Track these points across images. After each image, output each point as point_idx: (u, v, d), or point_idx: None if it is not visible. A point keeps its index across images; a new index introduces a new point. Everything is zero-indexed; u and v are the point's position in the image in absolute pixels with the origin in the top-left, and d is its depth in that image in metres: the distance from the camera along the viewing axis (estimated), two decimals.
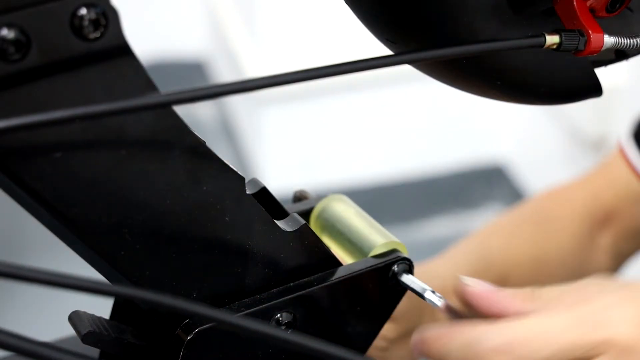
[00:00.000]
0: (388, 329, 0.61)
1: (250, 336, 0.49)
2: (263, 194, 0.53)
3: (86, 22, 0.40)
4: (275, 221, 0.50)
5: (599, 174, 0.92)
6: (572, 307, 0.48)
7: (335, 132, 2.26)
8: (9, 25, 0.39)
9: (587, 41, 0.47)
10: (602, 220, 0.88)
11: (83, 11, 0.40)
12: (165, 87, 0.42)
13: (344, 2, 0.50)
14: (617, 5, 0.49)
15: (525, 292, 0.50)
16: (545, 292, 0.50)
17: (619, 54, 0.54)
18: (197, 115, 2.56)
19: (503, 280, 0.77)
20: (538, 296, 0.49)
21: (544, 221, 0.85)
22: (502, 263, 0.79)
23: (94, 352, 0.51)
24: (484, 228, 0.88)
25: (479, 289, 0.49)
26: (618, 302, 0.48)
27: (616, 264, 0.89)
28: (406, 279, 0.52)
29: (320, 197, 0.59)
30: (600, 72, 0.53)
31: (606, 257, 0.87)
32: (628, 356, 0.47)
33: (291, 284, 0.51)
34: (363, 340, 0.53)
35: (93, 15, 0.40)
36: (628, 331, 0.47)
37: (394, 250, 0.53)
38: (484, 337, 0.47)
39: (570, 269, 0.83)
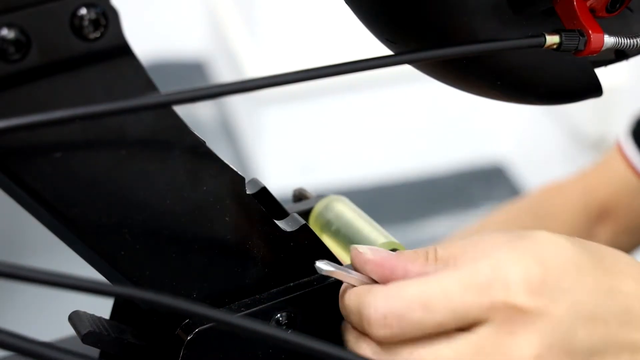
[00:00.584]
0: None
1: (250, 336, 0.49)
2: (263, 194, 0.53)
3: (86, 22, 0.40)
4: (275, 221, 0.50)
5: (596, 170, 0.93)
6: (463, 266, 0.45)
7: (335, 132, 2.26)
8: (9, 25, 0.39)
9: (587, 41, 0.47)
10: (599, 214, 0.88)
11: (83, 11, 0.40)
12: (165, 87, 0.42)
13: (344, 2, 0.50)
14: (617, 5, 0.49)
15: (424, 251, 0.47)
16: (443, 251, 0.46)
17: (619, 54, 0.54)
18: (197, 115, 2.56)
19: None
20: (437, 256, 0.46)
21: (540, 214, 0.85)
22: None
23: (94, 352, 0.51)
24: (481, 221, 0.88)
25: (376, 255, 0.47)
26: (510, 259, 0.45)
27: None
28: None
29: (320, 197, 0.59)
30: (600, 72, 0.53)
31: None
32: (519, 318, 0.44)
33: (291, 284, 0.51)
34: None
35: (93, 15, 0.40)
36: (515, 292, 0.44)
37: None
38: (372, 302, 0.45)
39: None
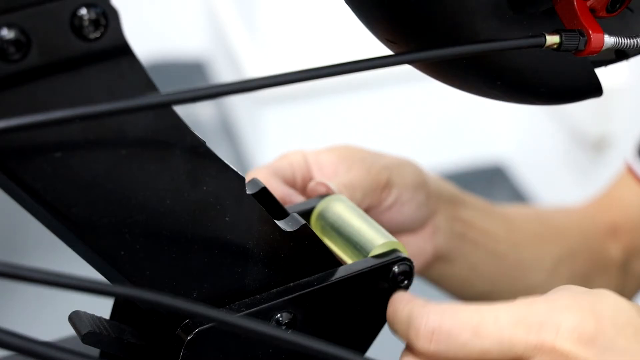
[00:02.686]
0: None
1: (250, 336, 0.49)
2: (263, 194, 0.53)
3: (86, 22, 0.40)
4: (275, 221, 0.50)
5: (606, 192, 0.92)
6: (520, 303, 0.46)
7: (335, 132, 2.26)
8: (9, 25, 0.39)
9: (587, 41, 0.47)
10: (609, 231, 0.88)
11: (83, 11, 0.40)
12: (165, 87, 0.42)
13: (344, 2, 0.50)
14: (617, 5, 0.49)
15: None
16: None
17: (619, 54, 0.54)
18: (197, 115, 2.56)
19: None
20: None
21: (547, 222, 0.85)
22: None
23: (94, 352, 0.51)
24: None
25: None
26: (565, 306, 0.46)
27: (631, 284, 0.89)
28: None
29: (320, 197, 0.59)
30: (600, 72, 0.53)
31: (617, 271, 0.87)
32: None
33: (291, 284, 0.51)
34: (363, 340, 0.53)
35: (93, 15, 0.40)
36: (565, 338, 0.44)
37: (394, 251, 0.53)
38: (424, 316, 0.46)
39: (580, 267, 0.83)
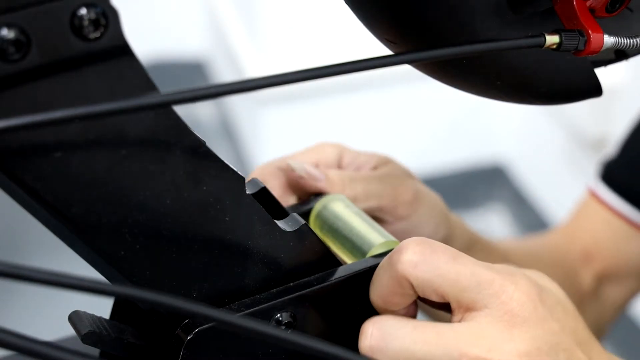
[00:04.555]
0: None
1: (250, 336, 0.49)
2: (263, 194, 0.53)
3: (86, 22, 0.40)
4: (275, 221, 0.50)
5: (574, 220, 0.93)
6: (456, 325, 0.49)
7: (335, 132, 2.26)
8: (9, 25, 0.39)
9: (587, 41, 0.47)
10: (582, 258, 0.89)
11: (83, 11, 0.40)
12: (165, 87, 0.42)
13: (344, 2, 0.50)
14: (617, 5, 0.49)
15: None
16: None
17: (619, 54, 0.54)
18: (197, 115, 2.56)
19: None
20: None
21: (525, 257, 0.85)
22: None
23: (94, 352, 0.51)
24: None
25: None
26: (520, 274, 0.49)
27: (606, 311, 0.90)
28: None
29: (320, 196, 0.59)
30: (600, 72, 0.53)
31: (591, 299, 0.88)
32: (517, 316, 0.48)
33: (291, 284, 0.51)
34: None
35: (93, 15, 0.40)
36: (520, 296, 0.48)
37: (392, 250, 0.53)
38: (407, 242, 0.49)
39: None
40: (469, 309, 0.48)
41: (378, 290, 0.50)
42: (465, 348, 0.47)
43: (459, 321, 0.48)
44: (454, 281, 0.48)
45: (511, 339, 0.47)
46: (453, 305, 0.49)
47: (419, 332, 0.48)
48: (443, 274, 0.48)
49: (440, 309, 0.50)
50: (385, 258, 0.50)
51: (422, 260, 0.48)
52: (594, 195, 0.90)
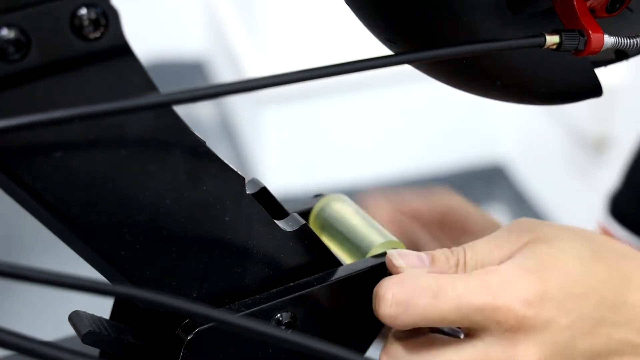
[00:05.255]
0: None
1: (250, 336, 0.49)
2: (263, 194, 0.53)
3: (86, 22, 0.40)
4: (275, 221, 0.50)
5: None
6: (472, 275, 0.48)
7: (336, 132, 2.26)
8: (9, 25, 0.39)
9: (587, 41, 0.47)
10: None
11: (83, 11, 0.40)
12: (165, 87, 0.42)
13: (344, 2, 0.50)
14: (617, 5, 0.49)
15: (455, 259, 0.51)
16: (472, 256, 0.51)
17: (619, 54, 0.54)
18: (197, 115, 2.56)
19: None
20: (467, 264, 0.50)
21: None
22: None
23: (94, 352, 0.51)
24: None
25: (407, 262, 0.50)
26: (516, 276, 0.48)
27: None
28: None
29: (320, 196, 0.59)
30: (600, 72, 0.53)
31: None
32: (520, 328, 0.47)
33: (291, 284, 0.51)
34: (363, 340, 0.53)
35: (93, 15, 0.40)
36: (519, 302, 0.47)
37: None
38: (386, 284, 0.48)
39: None
40: (470, 333, 0.48)
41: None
42: None
43: (467, 334, 0.48)
44: (440, 319, 0.47)
45: (517, 356, 0.47)
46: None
47: None
48: (426, 317, 0.47)
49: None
50: (373, 294, 0.49)
51: (400, 312, 0.47)
52: (606, 232, 0.89)
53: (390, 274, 0.50)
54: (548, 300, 0.48)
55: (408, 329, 0.49)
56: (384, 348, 0.50)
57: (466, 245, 0.51)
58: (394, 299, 0.47)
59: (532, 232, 0.51)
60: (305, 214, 0.57)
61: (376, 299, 0.48)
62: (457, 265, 0.51)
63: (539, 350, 0.47)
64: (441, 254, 0.51)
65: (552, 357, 0.47)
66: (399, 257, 0.50)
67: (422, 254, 0.51)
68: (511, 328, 0.47)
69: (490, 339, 0.47)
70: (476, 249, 0.51)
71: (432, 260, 0.50)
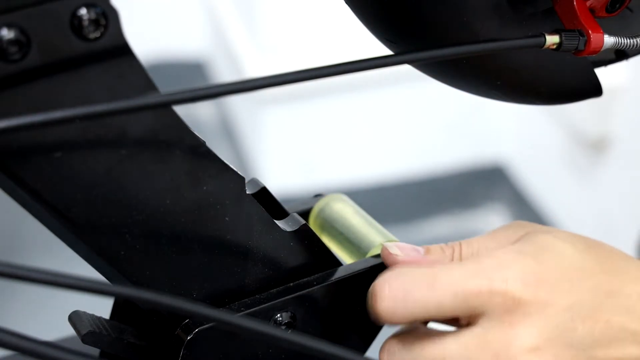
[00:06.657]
0: None
1: (250, 336, 0.49)
2: (263, 194, 0.53)
3: (86, 22, 0.40)
4: (275, 221, 0.50)
5: None
6: (467, 262, 0.48)
7: (336, 132, 2.26)
8: (9, 25, 0.39)
9: (587, 41, 0.47)
10: None
11: (83, 11, 0.40)
12: (165, 87, 0.42)
13: (344, 2, 0.50)
14: (617, 5, 0.49)
15: (450, 249, 0.51)
16: (467, 248, 0.51)
17: (619, 54, 0.54)
18: (197, 115, 2.56)
19: None
20: (462, 255, 0.51)
21: None
22: None
23: (94, 352, 0.51)
24: None
25: (405, 255, 0.50)
26: (512, 258, 0.48)
27: None
28: None
29: (320, 196, 0.59)
30: (600, 72, 0.53)
31: None
32: (518, 310, 0.46)
33: (291, 284, 0.51)
34: (363, 340, 0.53)
35: (93, 15, 0.40)
36: (516, 283, 0.46)
37: None
38: (382, 279, 0.48)
39: None
40: (469, 318, 0.48)
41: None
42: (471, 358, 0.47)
43: (466, 324, 0.48)
44: (438, 309, 0.47)
45: (516, 338, 0.46)
46: (454, 318, 0.48)
47: (426, 352, 0.48)
48: (424, 306, 0.47)
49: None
50: (369, 292, 0.49)
51: (398, 306, 0.47)
52: None
53: None
54: (544, 282, 0.47)
55: (406, 323, 0.49)
56: (382, 347, 0.49)
57: (462, 241, 0.51)
58: (391, 293, 0.47)
59: (529, 227, 0.51)
60: (305, 214, 0.57)
61: (372, 296, 0.48)
62: (452, 256, 0.51)
63: (537, 333, 0.46)
64: (436, 246, 0.51)
65: (551, 340, 0.46)
66: (395, 247, 0.51)
67: (417, 246, 0.51)
68: (508, 311, 0.46)
69: (488, 324, 0.47)
70: (472, 243, 0.51)
71: (427, 251, 0.51)
